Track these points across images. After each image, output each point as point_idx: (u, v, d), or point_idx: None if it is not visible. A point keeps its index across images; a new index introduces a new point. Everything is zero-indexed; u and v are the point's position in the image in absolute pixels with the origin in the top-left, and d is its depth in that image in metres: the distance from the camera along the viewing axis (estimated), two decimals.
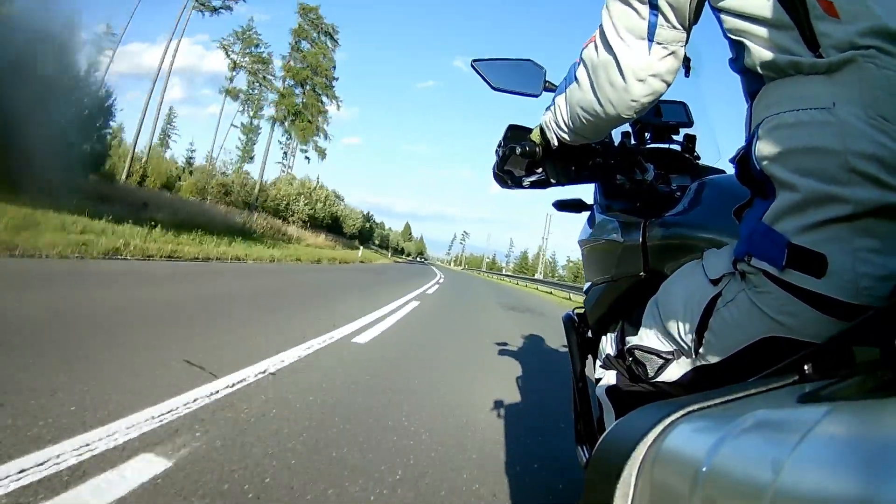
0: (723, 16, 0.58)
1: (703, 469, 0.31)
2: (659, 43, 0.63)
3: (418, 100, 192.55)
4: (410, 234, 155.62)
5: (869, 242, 0.50)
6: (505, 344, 4.87)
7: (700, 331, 0.64)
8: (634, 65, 0.64)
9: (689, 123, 1.17)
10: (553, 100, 0.83)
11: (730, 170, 0.87)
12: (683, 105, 1.18)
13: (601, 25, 0.67)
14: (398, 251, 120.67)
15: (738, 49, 0.59)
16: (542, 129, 0.89)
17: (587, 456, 1.14)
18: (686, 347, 0.67)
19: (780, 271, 0.53)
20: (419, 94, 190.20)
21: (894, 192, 0.49)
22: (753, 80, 0.59)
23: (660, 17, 0.62)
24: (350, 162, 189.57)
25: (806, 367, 0.41)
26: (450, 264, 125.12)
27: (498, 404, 2.75)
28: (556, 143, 0.86)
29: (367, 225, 61.85)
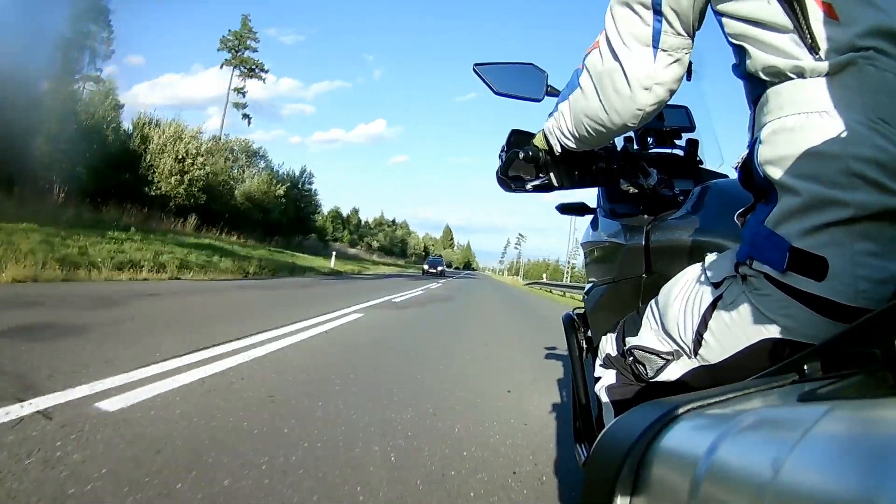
0: (725, 20, 0.59)
1: (703, 467, 0.31)
2: (664, 50, 0.63)
3: (460, 113, 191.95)
4: (451, 239, 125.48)
5: (868, 246, 0.50)
6: None
7: (700, 332, 0.64)
8: (640, 73, 0.64)
9: (692, 128, 1.17)
10: (556, 106, 0.83)
11: (732, 174, 0.87)
12: (686, 109, 1.19)
13: (605, 31, 0.66)
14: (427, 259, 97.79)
15: (741, 54, 0.59)
16: (545, 135, 0.89)
17: (586, 454, 1.14)
18: (686, 348, 0.67)
19: (781, 274, 0.54)
20: (461, 107, 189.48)
21: (893, 195, 0.49)
22: (756, 85, 0.59)
23: (664, 23, 0.62)
24: (399, 180, 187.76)
25: (806, 367, 0.42)
26: (502, 274, 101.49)
27: None
28: (559, 150, 0.86)
29: (298, 201, 30.20)
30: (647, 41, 0.63)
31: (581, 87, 0.72)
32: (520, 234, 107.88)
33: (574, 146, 0.82)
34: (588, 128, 0.75)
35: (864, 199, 0.50)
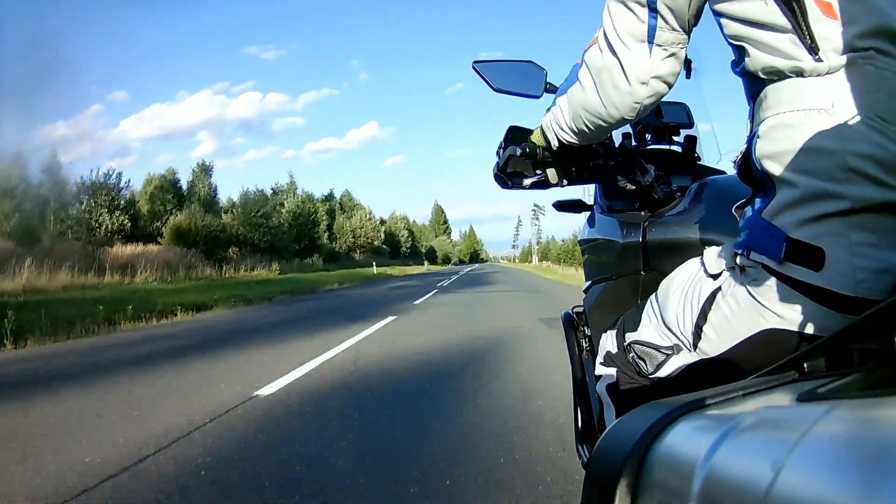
0: (723, 20, 0.59)
1: (704, 468, 0.31)
2: (659, 45, 0.64)
3: (451, 105, 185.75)
4: (445, 223, 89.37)
5: (866, 237, 0.51)
6: None
7: (700, 324, 0.65)
8: (637, 68, 0.65)
9: (690, 124, 1.17)
10: (554, 101, 0.84)
11: (731, 170, 0.88)
12: (684, 106, 1.19)
13: (603, 28, 0.67)
14: (400, 254, 56.63)
15: (740, 53, 0.60)
16: (542, 131, 0.89)
17: (587, 455, 1.14)
18: (686, 341, 0.68)
19: (778, 264, 0.54)
20: (451, 99, 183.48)
21: (892, 190, 0.50)
22: (754, 83, 0.60)
23: (659, 19, 0.62)
24: (397, 181, 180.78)
25: (806, 365, 0.42)
26: (518, 261, 76.36)
27: None
28: (556, 144, 0.86)
29: None
30: (643, 37, 0.64)
31: (580, 82, 0.73)
32: (535, 206, 69.77)
33: (572, 140, 0.82)
34: (586, 121, 0.75)
35: (862, 192, 0.50)
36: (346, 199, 51.35)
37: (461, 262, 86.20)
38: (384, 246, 52.02)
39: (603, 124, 0.74)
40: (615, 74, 0.67)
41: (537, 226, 71.84)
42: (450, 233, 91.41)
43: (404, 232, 63.27)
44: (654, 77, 0.65)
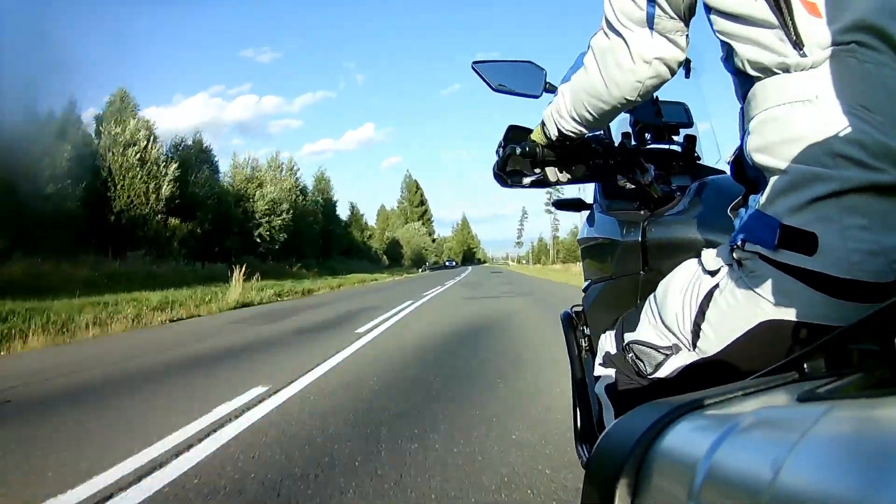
0: (712, 16, 0.61)
1: (703, 468, 0.31)
2: (658, 31, 0.66)
3: (448, 105, 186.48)
4: (423, 204, 67.61)
5: (856, 220, 0.52)
6: None
7: (698, 323, 0.65)
8: (641, 47, 0.67)
9: (690, 124, 1.17)
10: (557, 90, 0.85)
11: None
12: (684, 106, 1.19)
13: (605, 15, 0.70)
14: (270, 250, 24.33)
15: (728, 50, 0.61)
16: (542, 129, 0.90)
17: (587, 455, 1.14)
18: (685, 340, 0.68)
19: (773, 252, 0.55)
20: (448, 100, 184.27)
21: (878, 172, 0.51)
22: (744, 81, 0.62)
23: (657, 8, 0.65)
24: (394, 182, 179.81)
25: (806, 365, 0.42)
26: (542, 262, 57.26)
27: None
28: (556, 135, 0.87)
29: None
30: (643, 23, 0.66)
31: (584, 66, 0.75)
32: (549, 192, 18.91)
33: (571, 129, 0.83)
34: (587, 105, 0.77)
35: (848, 174, 0.52)
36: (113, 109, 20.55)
37: (453, 262, 65.48)
38: (188, 228, 20.72)
39: (604, 106, 0.75)
40: (619, 53, 0.69)
41: (553, 214, 54.96)
42: (429, 219, 67.72)
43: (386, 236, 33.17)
44: (657, 58, 0.67)
